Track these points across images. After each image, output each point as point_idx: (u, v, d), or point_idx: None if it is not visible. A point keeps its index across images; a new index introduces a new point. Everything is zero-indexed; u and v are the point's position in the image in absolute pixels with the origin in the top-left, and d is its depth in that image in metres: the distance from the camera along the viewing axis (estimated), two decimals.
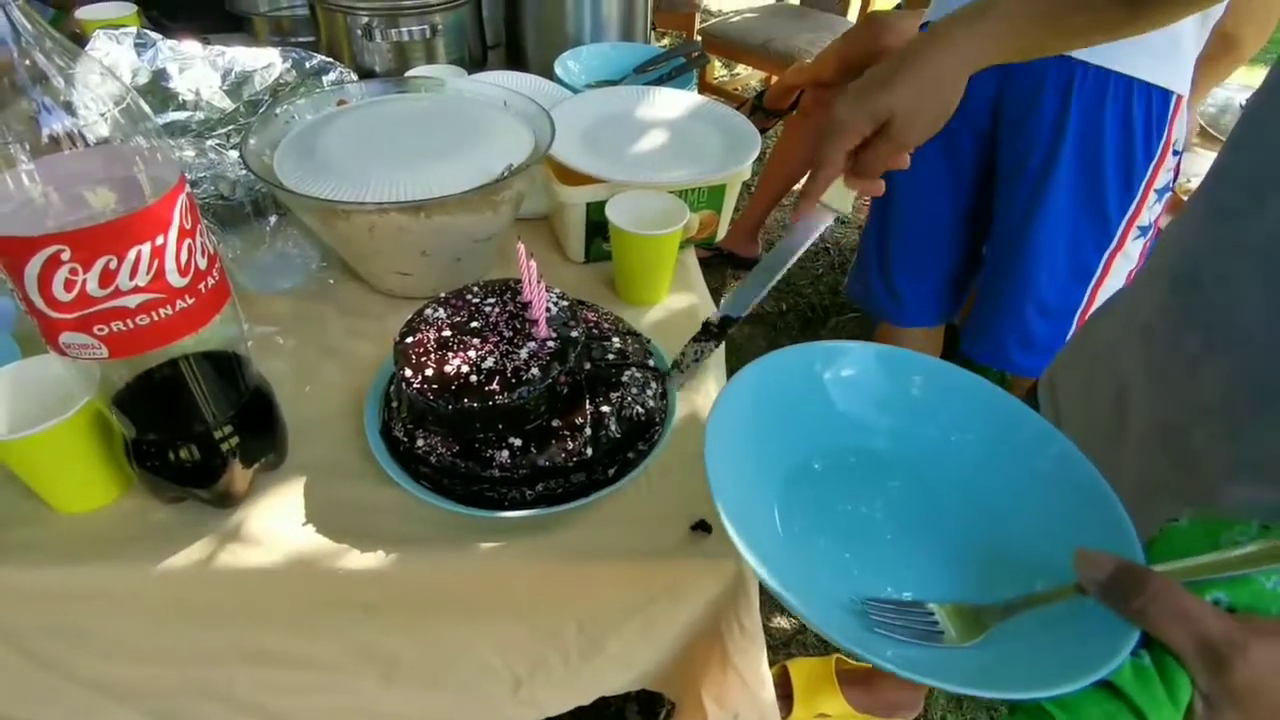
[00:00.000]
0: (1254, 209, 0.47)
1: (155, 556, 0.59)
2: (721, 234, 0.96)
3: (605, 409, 0.64)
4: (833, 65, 1.83)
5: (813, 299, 2.28)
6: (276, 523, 0.62)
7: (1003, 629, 0.39)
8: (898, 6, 1.95)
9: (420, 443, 0.63)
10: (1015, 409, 0.48)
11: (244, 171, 0.85)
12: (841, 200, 0.57)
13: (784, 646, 1.42)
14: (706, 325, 0.67)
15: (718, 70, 3.24)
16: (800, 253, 0.59)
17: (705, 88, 2.91)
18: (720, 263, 2.33)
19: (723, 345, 0.76)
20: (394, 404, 0.67)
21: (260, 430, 0.63)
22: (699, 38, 2.74)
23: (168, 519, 0.62)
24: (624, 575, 0.63)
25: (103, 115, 0.46)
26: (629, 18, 1.28)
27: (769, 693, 0.69)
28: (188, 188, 0.50)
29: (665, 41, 3.12)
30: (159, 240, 0.48)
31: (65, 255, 0.45)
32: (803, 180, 2.36)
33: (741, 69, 3.29)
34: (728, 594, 0.64)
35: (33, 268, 0.45)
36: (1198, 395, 0.50)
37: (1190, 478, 0.51)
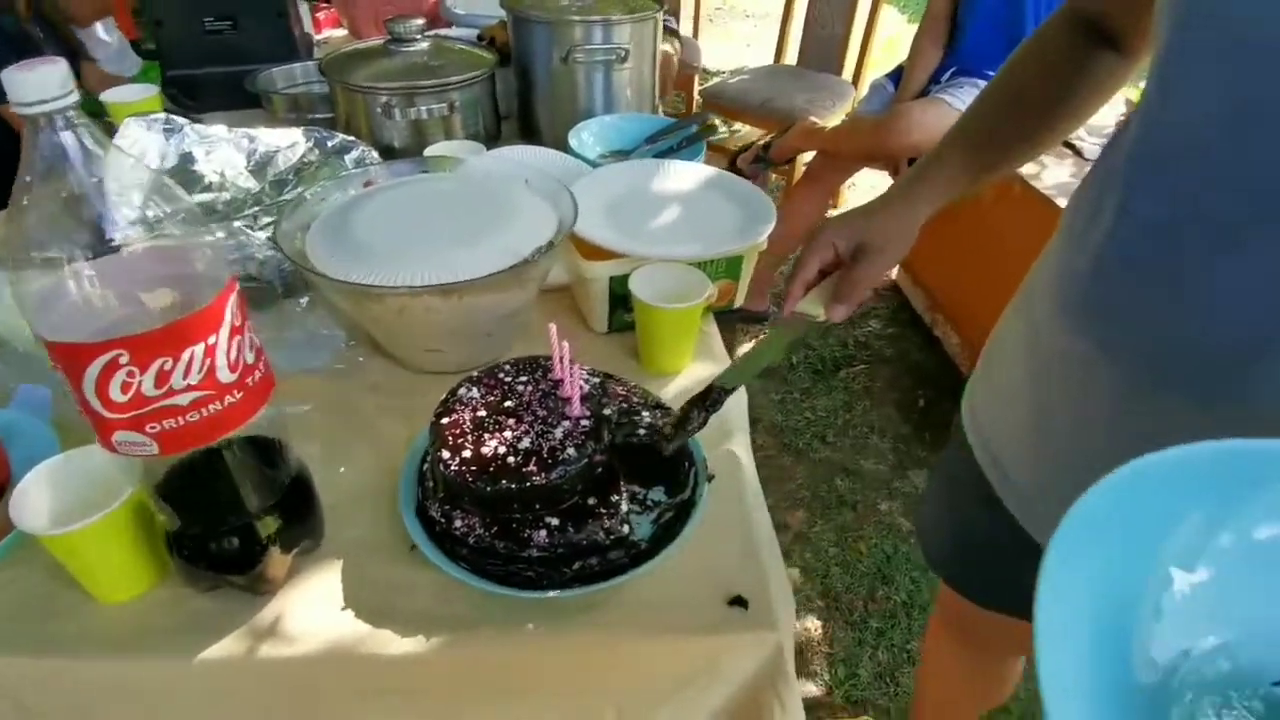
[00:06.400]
0: (1096, 216, 0.55)
1: (192, 648, 0.59)
2: (739, 301, 0.97)
3: (638, 488, 0.65)
4: (860, 153, 2.02)
5: (822, 352, 2.30)
6: (314, 608, 0.62)
7: None
8: (899, 68, 2.00)
9: (458, 523, 0.63)
10: None
11: (271, 251, 0.86)
12: (814, 307, 0.67)
13: (811, 710, 1.39)
14: (713, 391, 0.65)
15: (718, 128, 3.31)
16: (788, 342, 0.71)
17: (707, 146, 2.96)
18: (729, 318, 2.35)
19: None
20: (429, 483, 0.68)
21: (300, 516, 0.63)
22: (699, 98, 2.80)
23: (205, 607, 0.62)
24: (662, 653, 0.63)
25: (161, 221, 0.47)
26: (639, 90, 1.32)
27: None
28: (238, 286, 0.52)
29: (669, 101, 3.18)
30: (211, 340, 0.49)
31: (124, 359, 0.46)
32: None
33: (741, 127, 3.36)
34: (766, 671, 0.63)
35: (92, 371, 0.46)
36: (1101, 382, 0.58)
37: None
